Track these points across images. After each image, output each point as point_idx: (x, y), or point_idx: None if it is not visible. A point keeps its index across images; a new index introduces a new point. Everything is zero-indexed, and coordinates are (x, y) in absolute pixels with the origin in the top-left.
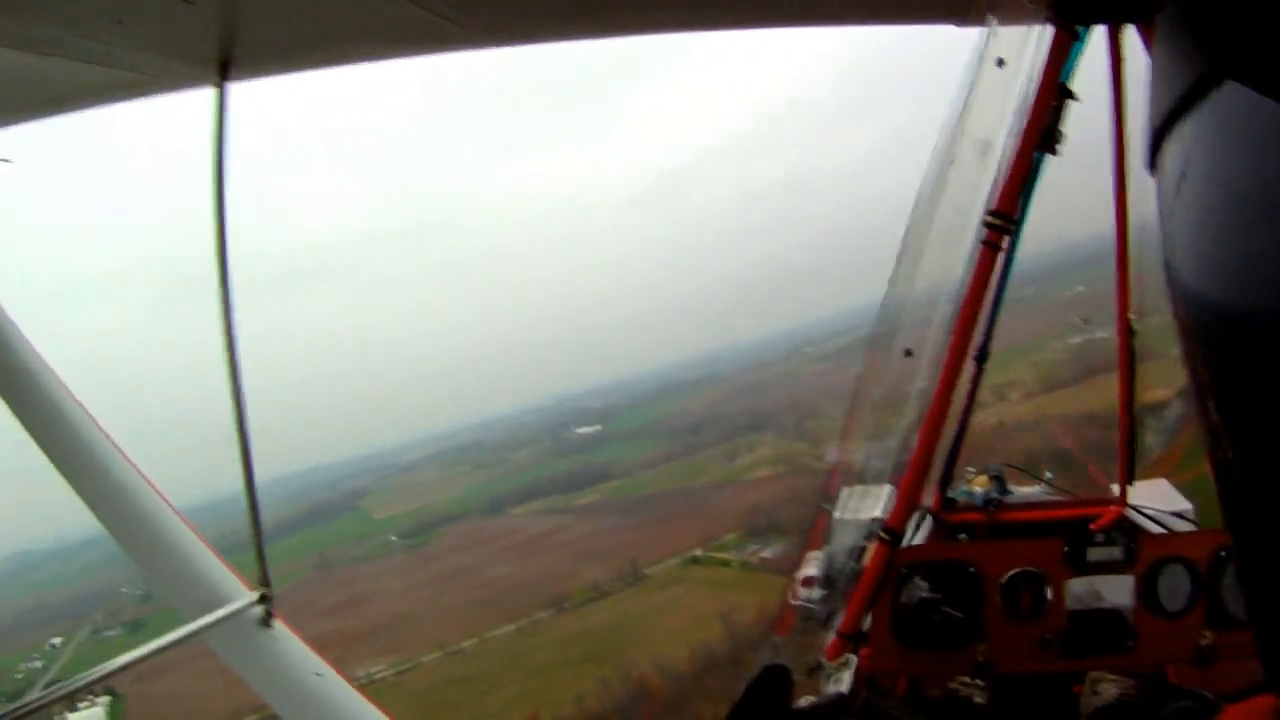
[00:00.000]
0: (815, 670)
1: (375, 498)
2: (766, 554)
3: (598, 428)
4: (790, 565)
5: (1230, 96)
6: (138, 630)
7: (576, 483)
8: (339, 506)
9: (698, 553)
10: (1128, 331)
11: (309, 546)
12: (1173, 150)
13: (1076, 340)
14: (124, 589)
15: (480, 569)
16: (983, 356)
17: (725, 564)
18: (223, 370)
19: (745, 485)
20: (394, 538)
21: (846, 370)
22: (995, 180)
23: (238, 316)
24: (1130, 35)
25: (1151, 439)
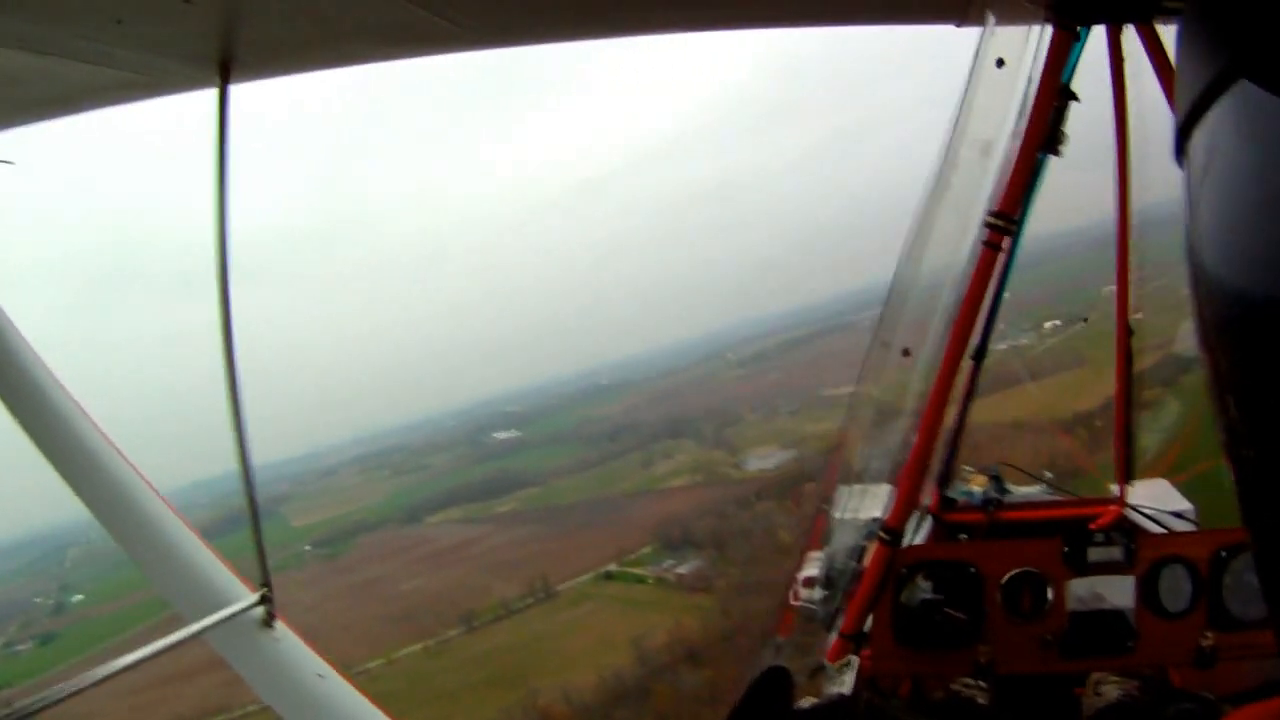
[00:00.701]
0: (817, 672)
1: (295, 504)
2: (682, 570)
3: (516, 433)
4: (790, 566)
5: (1245, 95)
6: (48, 644)
7: (493, 490)
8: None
9: (612, 567)
10: (1126, 331)
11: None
12: (1196, 146)
13: (1001, 347)
14: (37, 599)
15: (393, 581)
16: (980, 356)
17: (640, 580)
18: (220, 369)
19: (662, 495)
20: (308, 547)
21: (765, 376)
22: (997, 181)
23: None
24: (1130, 35)
25: (1148, 438)
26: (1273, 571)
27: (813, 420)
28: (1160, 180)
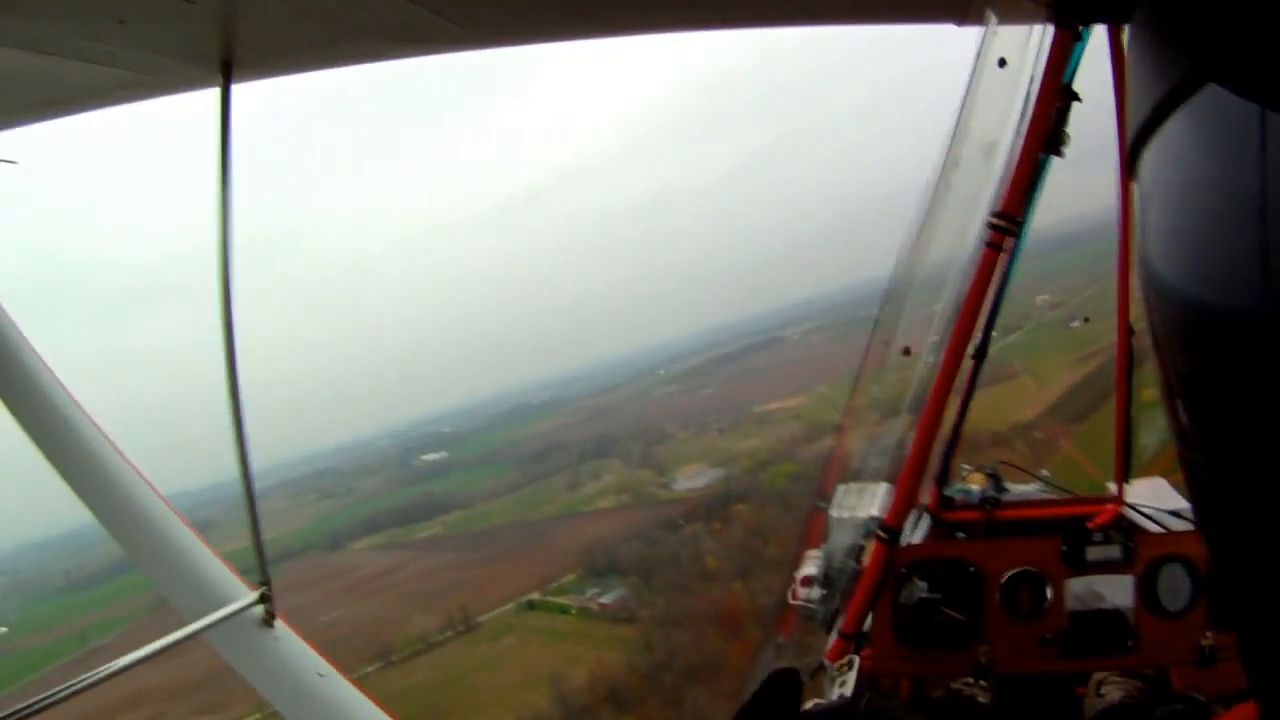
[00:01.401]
0: (818, 672)
1: (221, 531)
2: (606, 599)
3: (444, 454)
4: (789, 565)
5: (1210, 99)
6: None
7: (418, 514)
8: None
9: (534, 596)
10: (1127, 331)
11: (145, 585)
12: (1153, 155)
13: (931, 360)
14: None
15: (313, 612)
16: (981, 355)
17: (563, 610)
18: (221, 373)
19: (587, 518)
20: None
21: (697, 392)
22: (1000, 182)
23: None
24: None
25: (1147, 438)
26: (1226, 570)
27: (743, 437)
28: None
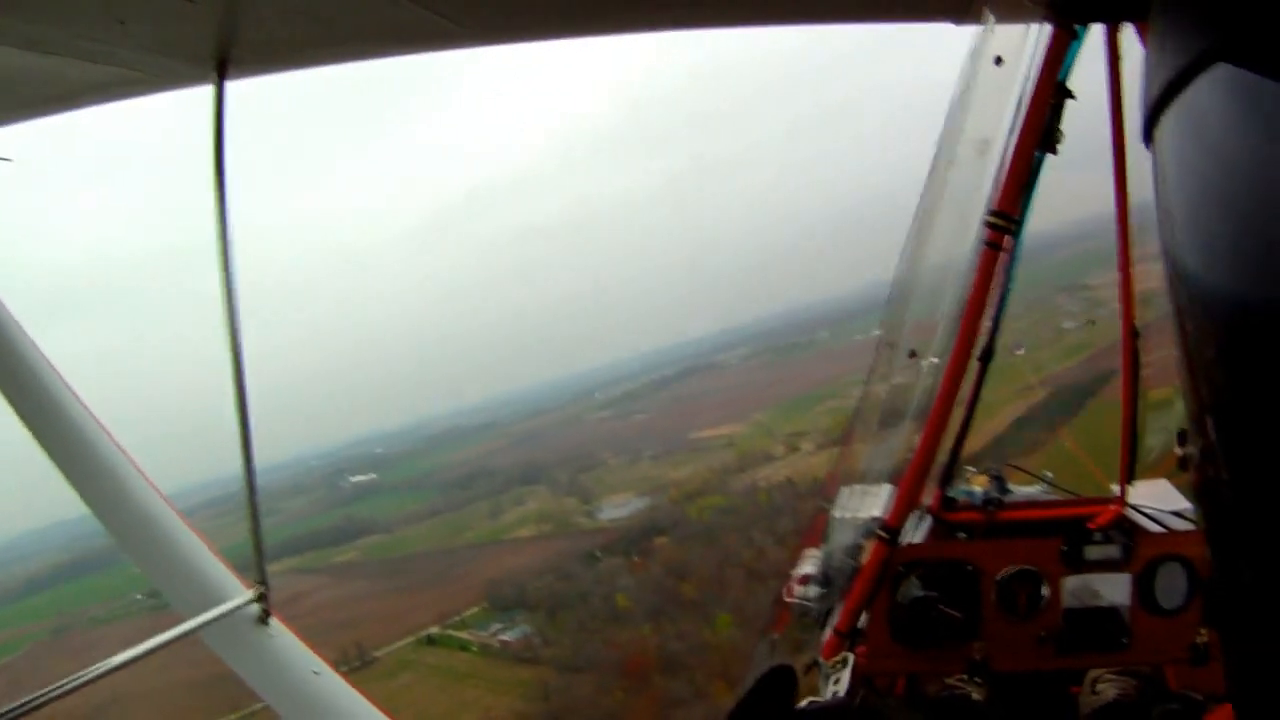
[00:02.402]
0: (812, 668)
1: None
2: (508, 636)
3: (373, 476)
4: (788, 563)
5: (1221, 77)
6: None
7: (339, 537)
8: (105, 559)
9: (434, 631)
10: (1131, 332)
11: (55, 605)
12: (1167, 130)
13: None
14: None
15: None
16: (987, 357)
17: (464, 647)
18: (226, 374)
19: (505, 547)
20: (139, 596)
21: (630, 419)
22: (996, 180)
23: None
24: (1128, 34)
25: (1152, 439)
26: (1231, 590)
27: (674, 465)
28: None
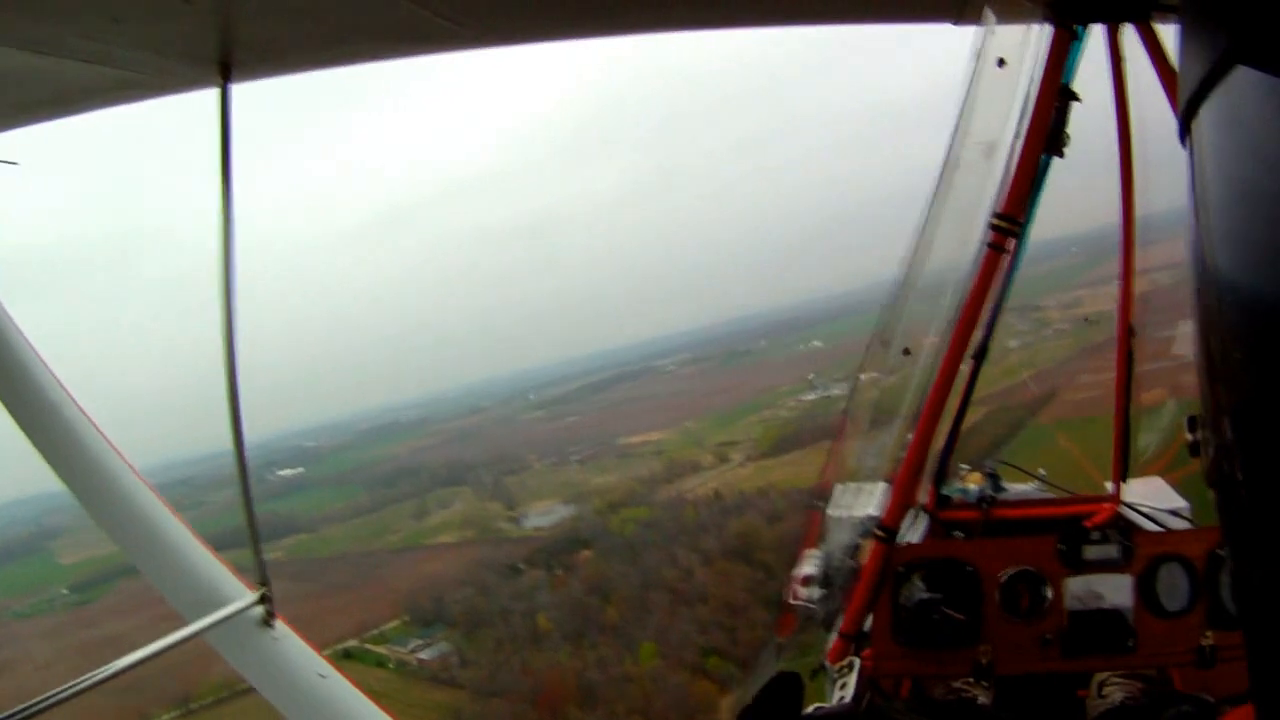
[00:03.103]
0: (819, 672)
1: (68, 539)
2: (427, 655)
3: (300, 470)
4: (788, 564)
5: (1241, 81)
6: None
7: (262, 534)
8: (28, 547)
9: (351, 644)
10: (1127, 333)
11: None
12: (1198, 132)
13: (810, 397)
14: None
15: (129, 642)
16: (981, 355)
17: (381, 663)
18: (221, 373)
19: (427, 552)
20: (64, 591)
21: (562, 421)
22: (1001, 182)
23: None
24: (1128, 34)
25: (1146, 437)
26: (1249, 589)
27: (600, 471)
28: (1162, 182)
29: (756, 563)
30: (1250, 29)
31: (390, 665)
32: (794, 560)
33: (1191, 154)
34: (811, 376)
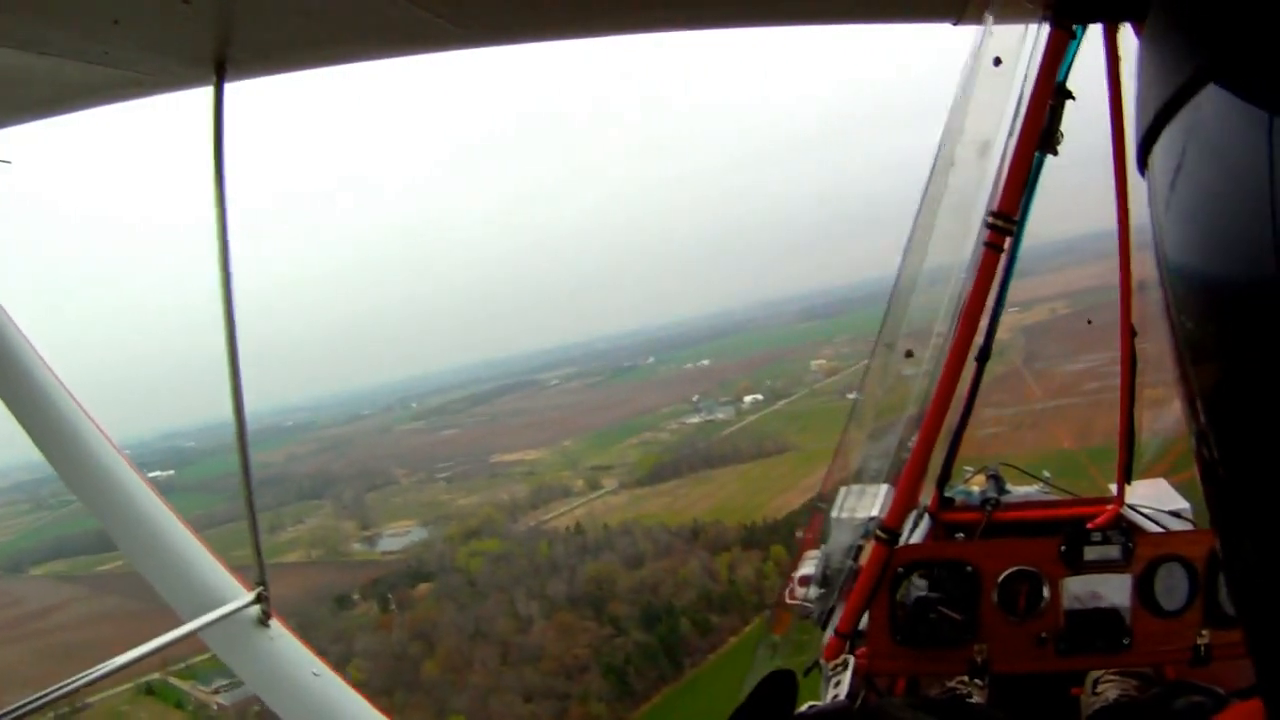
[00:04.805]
0: (813, 670)
1: None
2: (227, 699)
3: (171, 473)
4: (787, 565)
5: (1212, 99)
6: None
7: (110, 542)
8: None
9: (155, 678)
10: (1130, 333)
11: None
12: (1162, 151)
13: (694, 420)
14: None
15: None
16: (984, 357)
17: (179, 703)
18: (224, 374)
19: (269, 572)
20: None
21: (439, 433)
22: (996, 181)
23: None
24: (1126, 33)
25: (1149, 439)
26: (1238, 572)
27: (468, 491)
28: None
29: (605, 616)
30: (1223, 44)
31: (189, 707)
32: (795, 559)
33: (1152, 174)
34: (696, 398)
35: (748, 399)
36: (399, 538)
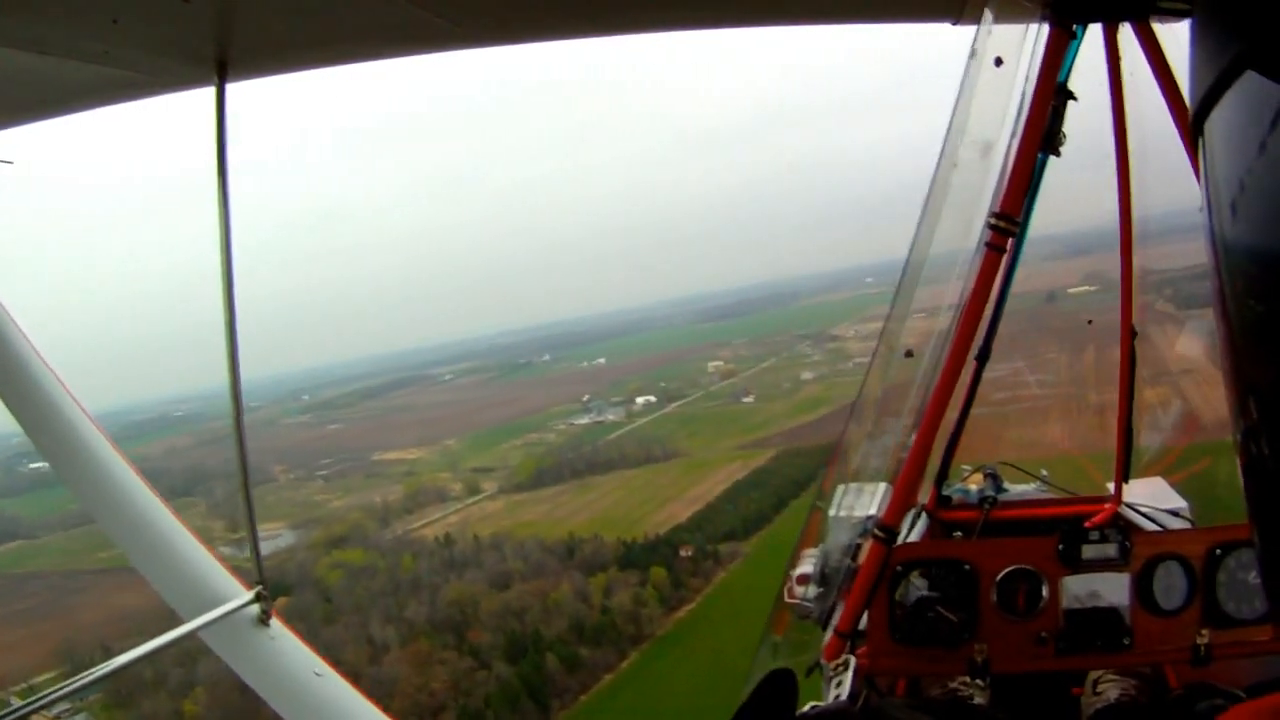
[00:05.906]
0: (814, 670)
1: None
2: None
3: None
4: (787, 564)
5: (1250, 86)
6: None
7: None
8: None
9: None
10: (1130, 333)
11: None
12: (1209, 139)
13: (582, 421)
14: None
15: None
16: (984, 357)
17: None
18: (223, 373)
19: (130, 577)
20: None
21: (324, 428)
22: (998, 182)
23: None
24: (1126, 33)
25: (1148, 438)
26: (1276, 572)
27: (344, 492)
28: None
29: (466, 645)
30: (1260, 33)
31: None
32: (793, 559)
33: (1203, 156)
34: (586, 398)
35: (640, 400)
36: (265, 542)
